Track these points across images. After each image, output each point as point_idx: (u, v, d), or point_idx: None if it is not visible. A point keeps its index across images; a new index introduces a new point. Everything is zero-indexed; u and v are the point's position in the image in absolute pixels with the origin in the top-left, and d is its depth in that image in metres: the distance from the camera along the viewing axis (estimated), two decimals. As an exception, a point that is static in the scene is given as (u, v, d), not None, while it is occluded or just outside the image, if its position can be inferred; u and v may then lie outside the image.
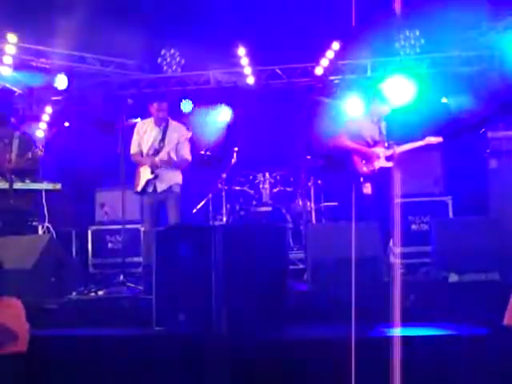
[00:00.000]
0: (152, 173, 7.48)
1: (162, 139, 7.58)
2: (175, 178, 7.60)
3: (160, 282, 5.37)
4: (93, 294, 7.01)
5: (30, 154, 7.83)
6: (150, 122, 7.73)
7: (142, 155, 7.67)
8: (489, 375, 4.40)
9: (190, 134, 7.56)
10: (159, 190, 7.53)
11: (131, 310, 5.98)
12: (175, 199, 7.57)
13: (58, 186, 8.21)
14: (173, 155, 7.52)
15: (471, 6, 8.36)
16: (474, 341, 4.61)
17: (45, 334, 5.10)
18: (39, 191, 7.95)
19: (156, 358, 4.88)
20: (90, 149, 9.45)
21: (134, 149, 7.72)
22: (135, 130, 7.75)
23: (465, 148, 9.33)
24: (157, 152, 7.55)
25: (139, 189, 7.56)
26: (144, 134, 7.69)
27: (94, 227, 9.58)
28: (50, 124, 10.44)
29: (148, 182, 7.52)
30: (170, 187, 7.55)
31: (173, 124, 7.74)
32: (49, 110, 10.57)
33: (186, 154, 7.66)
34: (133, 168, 7.70)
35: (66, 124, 10.67)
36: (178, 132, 7.63)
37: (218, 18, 9.17)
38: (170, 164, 7.48)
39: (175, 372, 4.79)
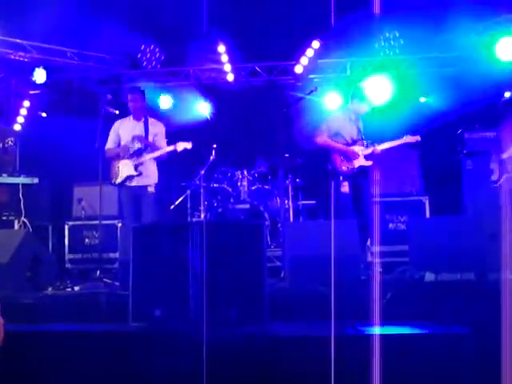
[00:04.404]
0: (136, 169, 7.55)
1: (146, 136, 7.67)
2: (153, 176, 7.69)
3: (137, 278, 5.36)
4: (69, 289, 6.98)
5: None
6: (128, 119, 7.81)
7: (119, 150, 7.68)
8: (465, 373, 4.45)
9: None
10: (140, 183, 7.59)
11: (107, 305, 5.97)
12: (150, 197, 7.63)
13: (35, 180, 8.16)
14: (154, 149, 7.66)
15: (450, 8, 8.43)
16: (450, 339, 4.65)
17: (20, 329, 5.06)
18: (16, 185, 7.91)
19: (132, 353, 4.87)
20: (68, 143, 9.38)
21: (110, 144, 7.75)
22: (112, 128, 7.79)
23: (441, 148, 9.40)
24: (142, 150, 7.62)
25: (119, 181, 7.59)
26: (123, 130, 7.74)
27: (70, 222, 9.50)
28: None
29: (129, 177, 7.56)
30: (147, 186, 7.62)
31: (151, 120, 7.84)
32: (26, 103, 10.48)
33: (164, 145, 7.76)
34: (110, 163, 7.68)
35: (44, 114, 10.58)
36: (156, 127, 7.79)
37: (198, 15, 9.15)
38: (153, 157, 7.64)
39: (152, 367, 4.79)
